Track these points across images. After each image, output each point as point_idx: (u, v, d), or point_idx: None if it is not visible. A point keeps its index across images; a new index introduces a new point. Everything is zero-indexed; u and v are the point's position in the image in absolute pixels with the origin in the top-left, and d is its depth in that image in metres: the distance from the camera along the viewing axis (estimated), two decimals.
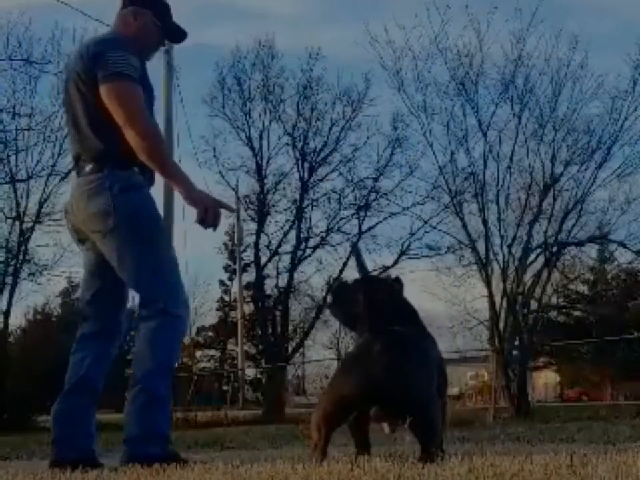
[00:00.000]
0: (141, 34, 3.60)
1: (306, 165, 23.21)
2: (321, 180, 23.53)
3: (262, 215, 23.56)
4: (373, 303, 2.91)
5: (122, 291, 3.54)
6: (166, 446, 3.31)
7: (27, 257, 20.69)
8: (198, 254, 60.98)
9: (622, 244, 20.29)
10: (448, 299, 20.58)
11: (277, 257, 23.76)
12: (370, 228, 23.17)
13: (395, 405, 2.66)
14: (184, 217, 20.75)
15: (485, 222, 18.57)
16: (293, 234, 23.41)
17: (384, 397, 2.65)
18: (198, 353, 41.29)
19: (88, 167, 3.42)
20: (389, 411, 2.69)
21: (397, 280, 3.21)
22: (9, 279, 20.44)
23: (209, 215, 3.34)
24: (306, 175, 23.20)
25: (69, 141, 3.61)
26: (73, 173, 3.56)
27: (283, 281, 23.73)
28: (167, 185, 19.38)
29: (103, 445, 6.74)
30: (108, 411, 22.10)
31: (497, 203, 18.73)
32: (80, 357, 3.48)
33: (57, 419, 3.43)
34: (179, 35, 3.79)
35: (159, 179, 3.61)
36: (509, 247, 18.68)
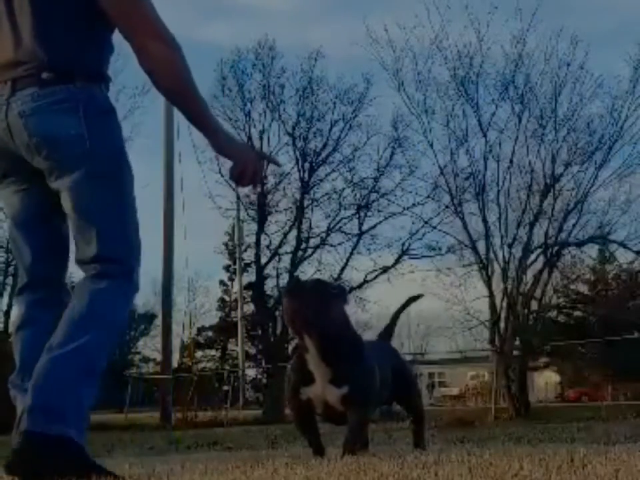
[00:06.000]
0: None
1: (306, 165, 23.23)
2: (321, 180, 23.55)
3: (262, 215, 23.55)
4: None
5: (66, 244, 2.78)
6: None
7: None
8: (198, 254, 61.06)
9: (622, 244, 20.29)
10: (448, 298, 20.56)
11: (277, 257, 23.77)
12: (370, 228, 23.20)
13: None
14: (184, 209, 20.68)
15: (485, 222, 18.60)
16: (293, 234, 23.42)
17: None
18: (198, 353, 41.29)
19: (46, 75, 2.55)
20: None
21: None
22: (9, 279, 20.44)
23: (248, 170, 2.69)
24: (306, 175, 23.21)
25: None
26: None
27: (283, 281, 23.73)
28: (167, 173, 19.73)
29: (104, 446, 6.74)
30: (108, 411, 22.13)
31: (498, 203, 18.77)
32: (30, 333, 2.71)
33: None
34: None
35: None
36: (510, 247, 18.71)
